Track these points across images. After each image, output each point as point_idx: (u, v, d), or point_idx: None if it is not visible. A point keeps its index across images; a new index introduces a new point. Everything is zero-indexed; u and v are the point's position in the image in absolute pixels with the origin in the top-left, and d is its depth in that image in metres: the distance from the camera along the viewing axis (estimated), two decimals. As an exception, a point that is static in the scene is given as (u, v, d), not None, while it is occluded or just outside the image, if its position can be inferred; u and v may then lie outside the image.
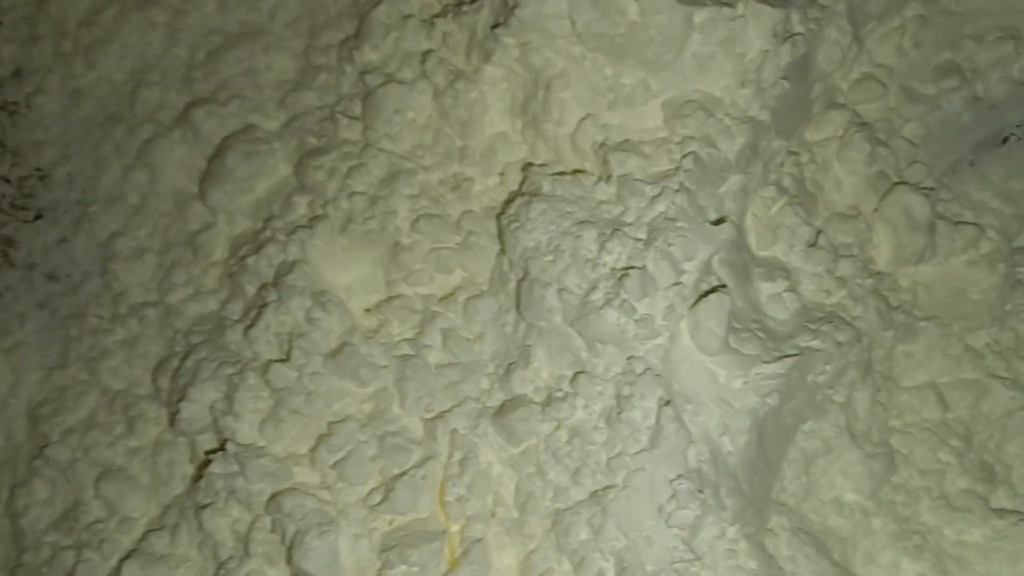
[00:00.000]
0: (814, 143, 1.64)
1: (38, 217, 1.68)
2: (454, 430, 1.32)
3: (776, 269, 1.47)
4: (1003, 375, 1.60)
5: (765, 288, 1.43)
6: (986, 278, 1.64)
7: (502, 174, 1.51)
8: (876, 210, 1.62)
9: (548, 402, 1.27)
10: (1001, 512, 1.51)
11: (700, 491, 1.17)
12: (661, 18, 1.33)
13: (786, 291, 1.44)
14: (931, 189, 1.67)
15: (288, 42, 1.68)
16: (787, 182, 1.55)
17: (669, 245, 1.26)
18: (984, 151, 1.75)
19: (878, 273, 1.58)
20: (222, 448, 1.36)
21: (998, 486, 1.55)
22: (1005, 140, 1.75)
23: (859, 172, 1.63)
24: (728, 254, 1.39)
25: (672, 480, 1.17)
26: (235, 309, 1.51)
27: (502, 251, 1.40)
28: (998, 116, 1.76)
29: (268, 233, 1.50)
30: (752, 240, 1.50)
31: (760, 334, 1.36)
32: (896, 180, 1.65)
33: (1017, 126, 1.76)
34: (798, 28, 1.44)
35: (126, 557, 1.39)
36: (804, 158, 1.61)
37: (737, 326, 1.34)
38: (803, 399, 1.40)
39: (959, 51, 1.75)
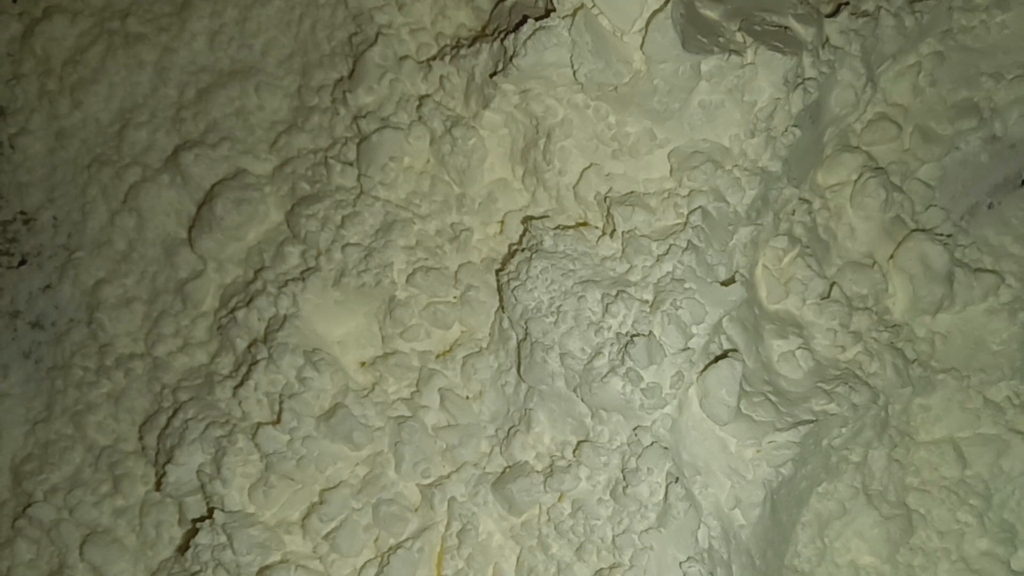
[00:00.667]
0: (827, 188, 1.58)
1: (22, 263, 1.63)
2: (452, 498, 1.26)
3: (788, 325, 1.41)
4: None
5: (777, 346, 1.37)
6: (1006, 328, 1.59)
7: (502, 223, 1.45)
8: (891, 258, 1.56)
9: (551, 472, 1.21)
10: (1022, 574, 1.45)
11: (711, 574, 1.11)
12: (667, 67, 1.26)
13: (799, 348, 1.38)
14: (948, 236, 1.61)
15: (280, 81, 1.62)
16: (799, 231, 1.49)
17: (677, 308, 1.20)
18: (1003, 193, 1.69)
19: (894, 325, 1.51)
20: (210, 515, 1.30)
21: (1019, 547, 1.49)
22: (1024, 181, 1.69)
23: (874, 218, 1.56)
24: (738, 312, 1.32)
25: (682, 563, 1.11)
26: (225, 363, 1.46)
27: (501, 308, 1.34)
28: (1017, 156, 1.69)
29: (259, 284, 1.45)
30: (763, 294, 1.44)
31: (773, 397, 1.29)
32: (912, 226, 1.59)
33: (1036, 166, 1.70)
34: (810, 72, 1.38)
35: (112, 635, 1.34)
36: (816, 204, 1.55)
37: (748, 389, 1.28)
38: (818, 463, 1.35)
39: (977, 89, 1.69)
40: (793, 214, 1.49)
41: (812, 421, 1.26)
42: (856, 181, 1.56)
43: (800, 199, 1.50)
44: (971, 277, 1.60)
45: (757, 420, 1.24)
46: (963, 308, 1.60)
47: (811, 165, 1.54)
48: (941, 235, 1.59)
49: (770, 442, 1.23)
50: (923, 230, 1.57)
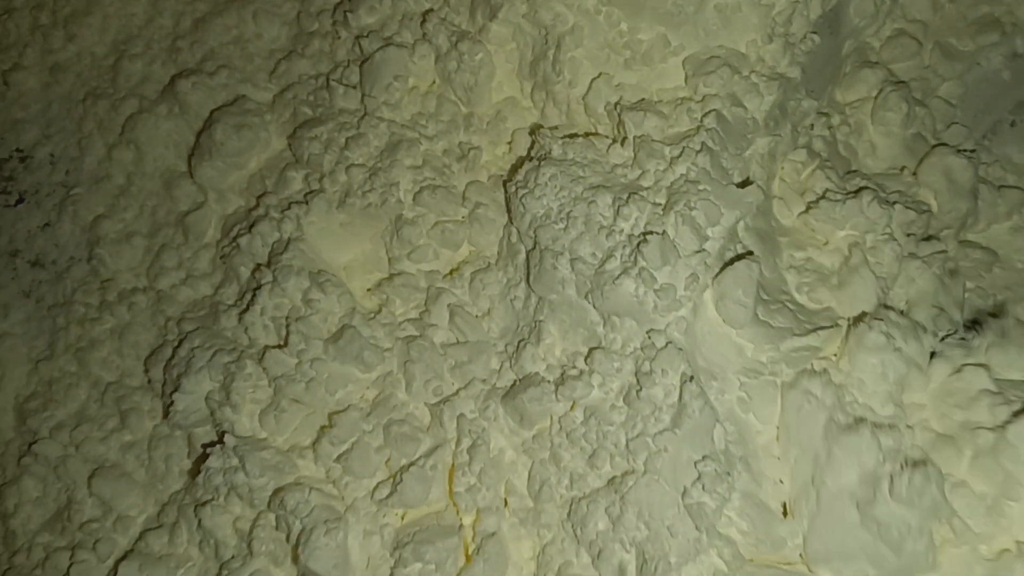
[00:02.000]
0: (846, 104, 1.53)
1: (20, 201, 1.60)
2: (462, 415, 1.22)
3: (806, 236, 1.36)
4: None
5: (796, 257, 1.33)
6: (1032, 245, 1.53)
7: (511, 142, 1.41)
8: (915, 174, 1.50)
9: (562, 381, 1.17)
10: None
11: (728, 473, 1.07)
12: (682, -34, 1.22)
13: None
14: (972, 152, 1.55)
15: (279, 8, 1.58)
16: (818, 145, 1.44)
17: (691, 209, 1.15)
18: (1026, 110, 1.64)
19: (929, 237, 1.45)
20: (220, 441, 1.27)
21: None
22: (1047, 98, 1.64)
23: (895, 134, 1.51)
24: (755, 221, 1.28)
25: (697, 462, 1.07)
26: (229, 293, 1.42)
27: (510, 221, 1.29)
28: (1039, 72, 1.64)
29: (261, 210, 1.41)
30: (781, 207, 1.39)
31: (791, 306, 1.25)
32: (934, 143, 1.54)
33: (1059, 83, 1.64)
34: (828, -23, 1.33)
35: (123, 558, 1.32)
36: (836, 120, 1.50)
37: (765, 297, 1.23)
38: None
39: (998, 4, 1.64)
40: (812, 128, 1.45)
41: (834, 326, 1.22)
42: (876, 96, 1.51)
43: (819, 113, 1.45)
44: (995, 194, 1.55)
45: (775, 326, 1.20)
46: (987, 226, 1.55)
47: (830, 79, 1.49)
48: (964, 150, 1.54)
49: (789, 347, 1.19)
50: (946, 144, 1.52)
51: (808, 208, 1.36)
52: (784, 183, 1.40)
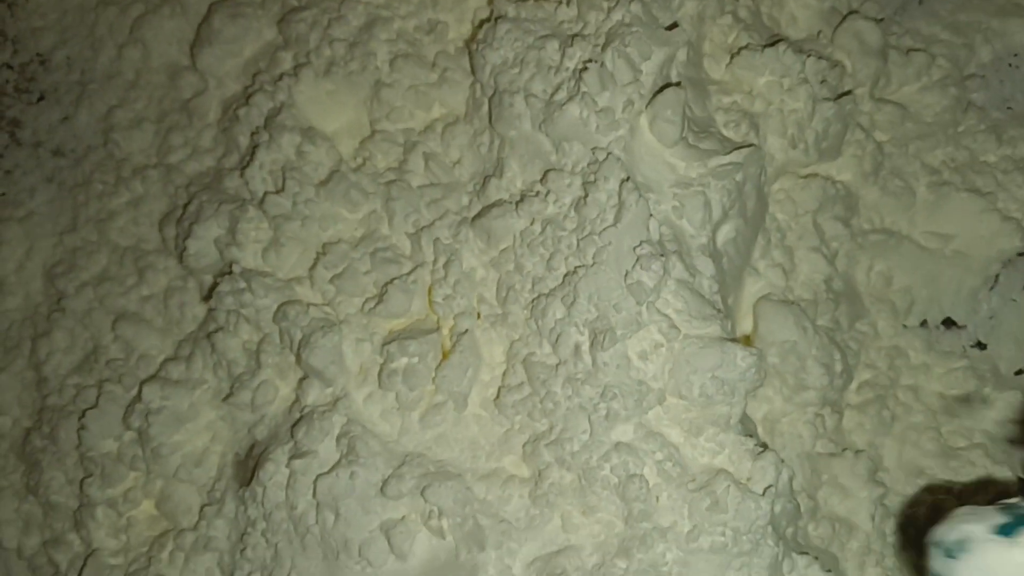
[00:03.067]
0: (767, -20, 1.74)
1: (41, 99, 1.79)
2: (437, 239, 1.41)
3: (732, 86, 1.57)
4: (960, 187, 1.70)
5: (722, 100, 1.53)
6: (939, 101, 1.74)
7: (473, 20, 1.61)
8: (831, 40, 1.71)
9: (522, 200, 1.36)
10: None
11: (662, 255, 1.26)
12: None
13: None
14: (881, 20, 1.76)
15: (267, -83, 1.77)
16: (743, 13, 1.65)
17: (625, 46, 1.35)
18: (932, -11, 1.84)
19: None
20: (229, 272, 1.46)
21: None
22: (952, -24, 1.84)
23: (812, 6, 1.72)
24: (686, 69, 1.48)
25: (635, 247, 1.26)
26: (231, 161, 1.61)
27: (475, 79, 1.49)
28: (946, -47, 1.85)
29: (256, 86, 1.60)
30: (710, 64, 1.59)
31: (717, 136, 1.45)
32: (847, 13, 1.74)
33: (964, -38, 1.85)
34: None
35: (145, 381, 1.49)
36: (758, -7, 1.70)
37: (695, 129, 1.43)
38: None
39: None
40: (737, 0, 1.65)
41: (753, 145, 1.42)
42: (795, -27, 1.72)
43: (742, -17, 1.66)
44: (904, 58, 1.75)
45: (703, 148, 1.40)
46: (899, 87, 1.75)
47: (752, -44, 1.69)
48: (874, 18, 1.75)
49: (715, 163, 1.39)
50: (858, 12, 1.73)
51: (732, 59, 1.57)
52: (712, 43, 1.61)
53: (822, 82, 1.56)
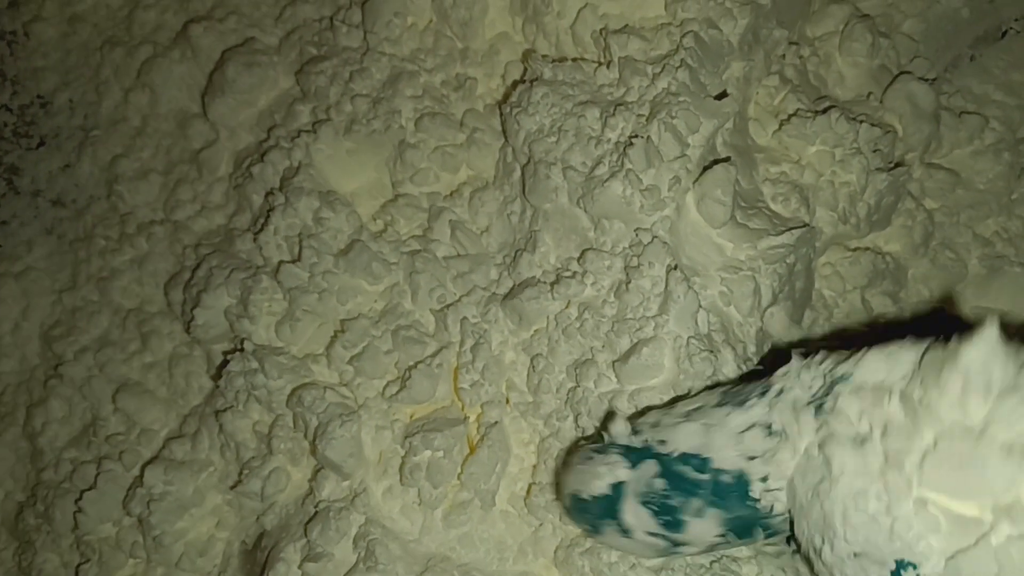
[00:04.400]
0: (815, 38, 1.64)
1: (41, 144, 1.69)
2: (464, 318, 1.32)
3: (780, 154, 1.47)
4: (1014, 260, 1.61)
5: (770, 171, 1.43)
6: (991, 167, 1.65)
7: (504, 74, 1.51)
8: (880, 101, 1.61)
9: (557, 281, 1.27)
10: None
11: (711, 351, 1.17)
12: (660, -101, 1.33)
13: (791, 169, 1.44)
14: (934, 80, 1.67)
15: (283, -41, 1.67)
16: (790, 73, 1.55)
17: (672, 118, 1.26)
18: (984, 45, 1.76)
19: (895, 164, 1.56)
20: (240, 349, 1.36)
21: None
22: (1004, 34, 1.76)
23: (861, 64, 1.62)
24: (732, 137, 1.38)
25: (684, 342, 1.17)
26: (243, 220, 1.51)
27: (506, 142, 1.39)
28: (996, 10, 1.76)
29: (271, 142, 1.50)
30: (756, 128, 1.50)
31: (767, 212, 1.36)
32: (898, 73, 1.65)
33: (1015, 19, 1.77)
34: (794, -91, 1.44)
35: (148, 463, 1.40)
36: (806, 52, 1.61)
37: (743, 204, 1.34)
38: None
39: (958, -55, 1.75)
40: (783, 57, 1.56)
41: (806, 225, 1.32)
42: (843, 30, 1.62)
43: (790, 43, 1.56)
44: (957, 120, 1.66)
45: (752, 228, 1.30)
46: (950, 150, 1.66)
47: (800, 14, 1.59)
48: (927, 79, 1.65)
49: (766, 245, 1.29)
50: (909, 72, 1.63)
51: (781, 126, 1.47)
52: (759, 106, 1.51)
53: (875, 151, 1.47)
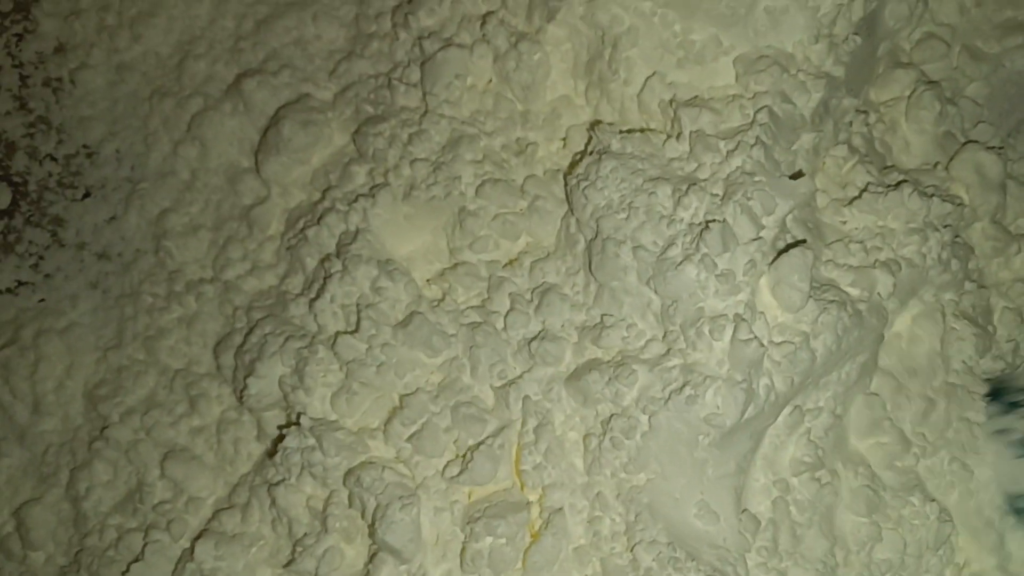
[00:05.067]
0: (880, 103, 1.61)
1: (86, 195, 1.65)
2: (527, 396, 1.28)
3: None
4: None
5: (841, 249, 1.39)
6: (1057, 237, 1.61)
7: (565, 138, 1.48)
8: (947, 169, 1.58)
9: (622, 363, 1.23)
10: None
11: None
12: (737, -29, 1.29)
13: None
14: (1000, 148, 1.63)
15: (337, 11, 1.64)
16: (857, 141, 1.51)
17: (748, 199, 1.22)
18: (1050, 109, 1.72)
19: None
20: (296, 423, 1.32)
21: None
22: (1069, 97, 1.72)
23: (927, 132, 1.59)
24: (801, 213, 1.35)
25: None
26: (295, 283, 1.48)
27: (569, 212, 1.36)
28: (1060, 73, 1.72)
29: (327, 203, 1.47)
30: (823, 201, 1.46)
31: (837, 291, 1.32)
32: (963, 140, 1.61)
33: (1080, 82, 1.73)
34: (868, -17, 1.40)
35: (197, 537, 1.36)
36: (872, 118, 1.57)
37: (815, 285, 1.30)
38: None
39: (1021, 8, 1.72)
40: (851, 125, 1.52)
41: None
42: (910, 96, 1.59)
43: (857, 111, 1.52)
44: (1021, 189, 1.63)
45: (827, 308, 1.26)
46: (1014, 219, 1.62)
47: (865, 80, 1.56)
48: (993, 147, 1.61)
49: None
50: (976, 141, 1.60)
51: (852, 201, 1.43)
52: (826, 176, 1.48)
53: (946, 227, 1.43)
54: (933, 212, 1.41)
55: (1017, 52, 1.70)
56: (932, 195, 1.44)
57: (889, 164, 1.56)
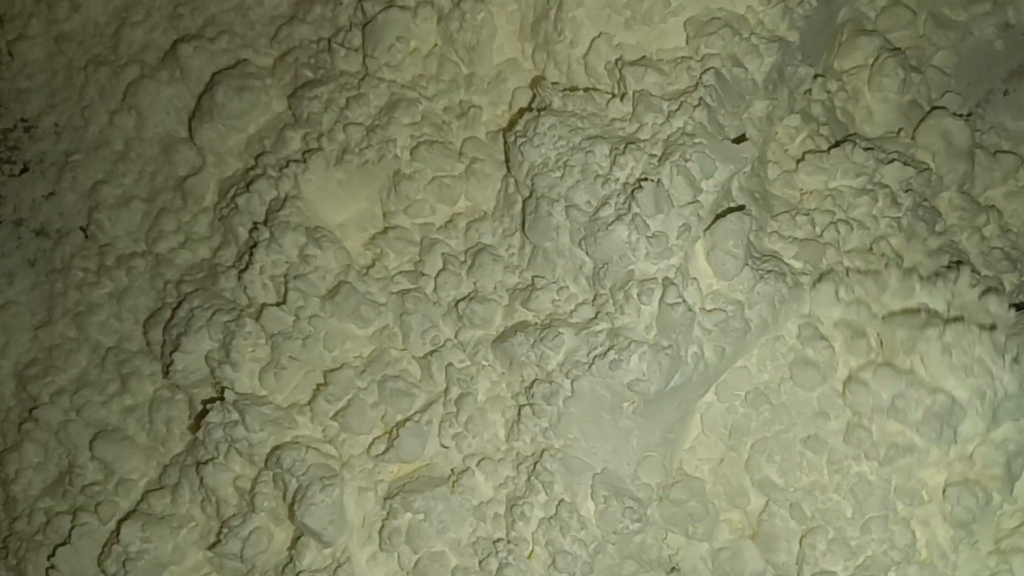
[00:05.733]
0: (843, 72, 1.54)
1: (24, 170, 1.61)
2: (450, 364, 1.22)
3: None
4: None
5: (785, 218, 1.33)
6: (1026, 208, 1.54)
7: (511, 102, 1.42)
8: (912, 138, 1.51)
9: (549, 325, 1.17)
10: None
11: None
12: (688, -70, 1.23)
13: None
14: (968, 116, 1.57)
15: (280, -26, 1.59)
16: (816, 110, 1.45)
17: (686, 161, 1.16)
18: (1019, 79, 1.67)
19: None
20: (220, 398, 1.27)
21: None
22: (1040, 67, 1.65)
23: (891, 100, 1.52)
24: (748, 181, 1.29)
25: None
26: (228, 255, 1.43)
27: (508, 171, 1.30)
28: (1031, 43, 1.66)
29: (259, 170, 1.42)
30: (774, 172, 1.39)
31: (780, 263, 1.25)
32: (929, 109, 1.55)
33: (1052, 53, 1.66)
34: (825, -56, 1.34)
35: (124, 519, 1.31)
36: (833, 86, 1.51)
37: (755, 254, 1.23)
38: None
39: (990, -25, 1.65)
40: (808, 93, 1.46)
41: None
42: (873, 63, 1.52)
43: (817, 76, 1.46)
44: (991, 159, 1.57)
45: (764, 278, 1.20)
46: (984, 190, 1.56)
47: (824, 47, 1.50)
48: (960, 115, 1.55)
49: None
50: (942, 107, 1.53)
51: (797, 165, 1.37)
52: (778, 145, 1.41)
53: (907, 191, 1.37)
54: (893, 175, 1.35)
55: (985, 20, 1.63)
56: (892, 160, 1.38)
57: (852, 133, 1.50)
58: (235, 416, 1.23)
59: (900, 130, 1.50)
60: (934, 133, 1.49)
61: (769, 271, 1.20)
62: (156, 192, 1.51)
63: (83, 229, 1.54)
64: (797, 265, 1.26)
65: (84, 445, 1.40)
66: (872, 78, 1.52)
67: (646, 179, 1.15)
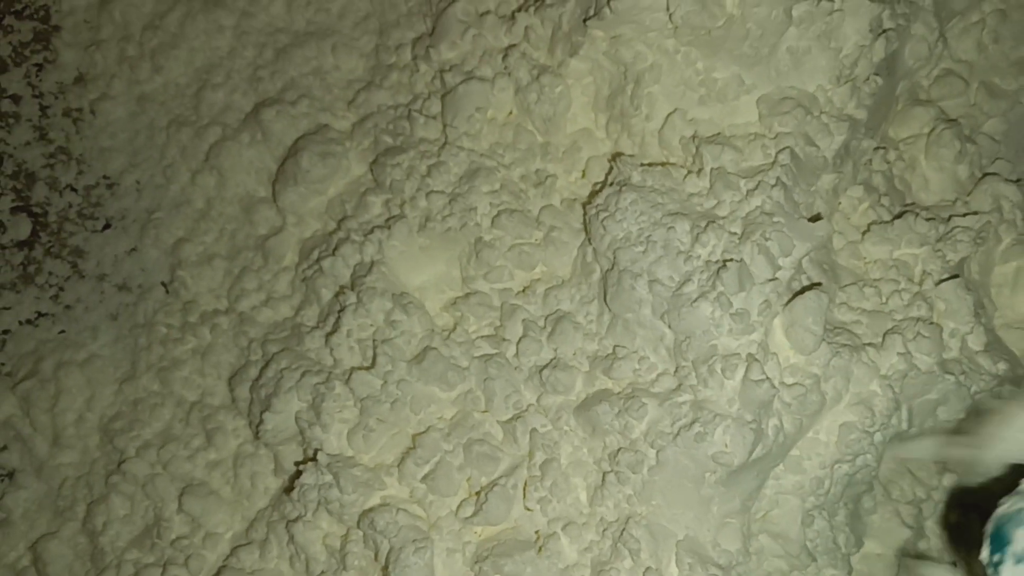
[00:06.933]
0: (899, 140, 1.60)
1: (107, 226, 1.66)
2: (534, 430, 1.27)
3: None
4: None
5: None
6: (1077, 271, 1.60)
7: (584, 170, 1.47)
8: (966, 203, 1.57)
9: (632, 395, 1.22)
10: None
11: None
12: (760, 11, 1.28)
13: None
14: (1017, 181, 1.62)
15: (356, 41, 1.65)
16: (877, 180, 1.51)
17: (766, 240, 1.22)
18: (1066, 146, 1.71)
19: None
20: (312, 459, 1.32)
21: None
22: (1085, 134, 1.71)
23: (947, 169, 1.58)
24: (817, 254, 1.34)
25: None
26: (310, 315, 1.47)
27: (587, 241, 1.35)
28: (1077, 109, 1.72)
29: (343, 234, 1.47)
30: (839, 242, 1.45)
31: (855, 337, 1.31)
32: (981, 176, 1.61)
33: (1097, 119, 1.72)
34: (888, 23, 1.39)
35: (217, 574, 1.35)
36: (892, 155, 1.57)
37: (827, 327, 1.29)
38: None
39: (1038, 46, 1.71)
40: (870, 164, 1.52)
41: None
42: (930, 133, 1.58)
43: (877, 148, 1.52)
44: (1041, 223, 1.62)
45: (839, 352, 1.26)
46: (1029, 258, 1.61)
47: (883, 118, 1.55)
48: (1011, 180, 1.61)
49: None
50: (996, 174, 1.59)
51: (862, 236, 1.43)
52: (842, 217, 1.47)
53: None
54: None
55: (1034, 90, 1.70)
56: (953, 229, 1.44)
57: (909, 202, 1.56)
58: (329, 478, 1.28)
59: (956, 199, 1.56)
60: (988, 197, 1.55)
61: (844, 345, 1.25)
62: (237, 251, 1.57)
63: (164, 285, 1.59)
64: (867, 336, 1.32)
65: (171, 498, 1.45)
66: (929, 148, 1.58)
67: (731, 259, 1.21)
